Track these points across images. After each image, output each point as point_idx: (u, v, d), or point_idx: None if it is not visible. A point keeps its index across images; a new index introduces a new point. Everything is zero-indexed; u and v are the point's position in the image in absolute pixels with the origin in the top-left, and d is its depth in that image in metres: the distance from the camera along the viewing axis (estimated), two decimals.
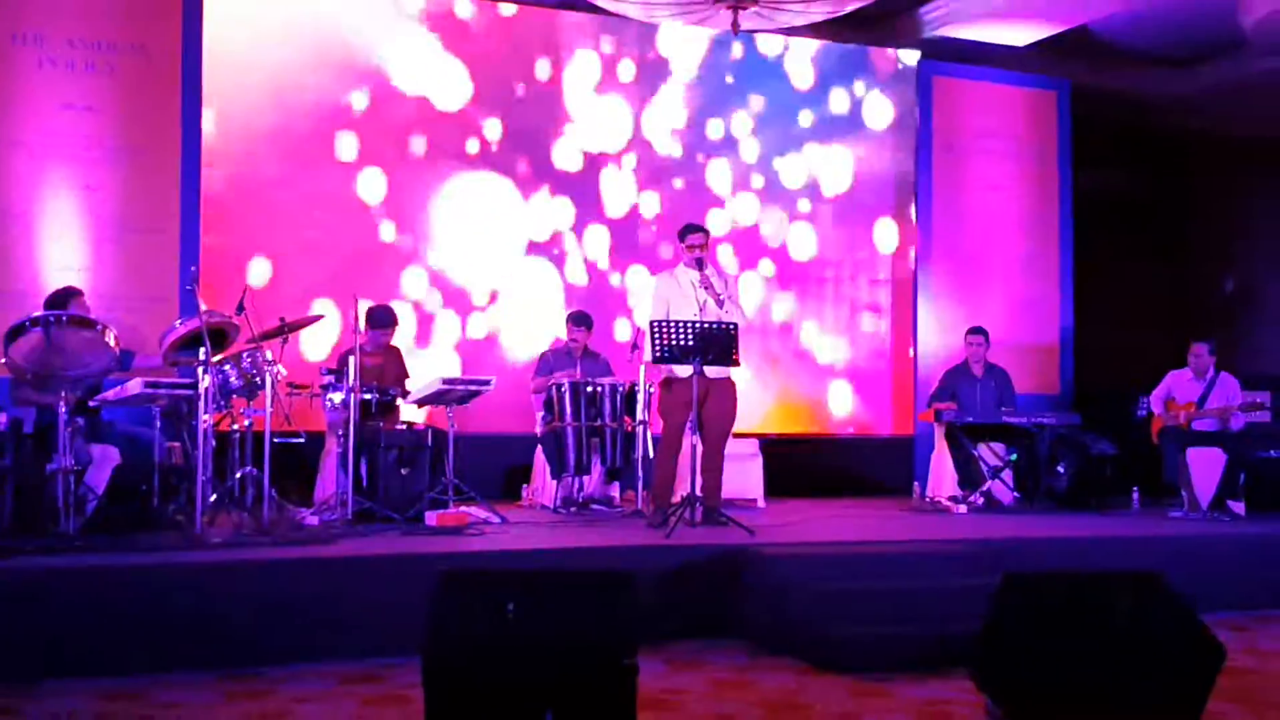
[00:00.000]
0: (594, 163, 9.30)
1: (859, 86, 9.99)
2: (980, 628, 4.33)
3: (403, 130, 8.79)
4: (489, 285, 8.98)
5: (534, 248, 9.11)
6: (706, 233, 6.95)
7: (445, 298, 8.85)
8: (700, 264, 6.77)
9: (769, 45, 9.75)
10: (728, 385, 6.78)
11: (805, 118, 9.84)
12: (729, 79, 9.68)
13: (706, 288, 6.70)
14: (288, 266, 8.45)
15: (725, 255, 9.53)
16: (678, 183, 9.51)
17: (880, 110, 10.07)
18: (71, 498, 5.41)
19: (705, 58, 9.60)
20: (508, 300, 9.02)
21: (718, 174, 9.63)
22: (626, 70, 9.42)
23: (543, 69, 9.19)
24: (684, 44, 9.53)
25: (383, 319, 7.45)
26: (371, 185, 8.69)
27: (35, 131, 7.65)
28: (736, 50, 9.64)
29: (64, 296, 6.27)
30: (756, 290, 9.65)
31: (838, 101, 9.94)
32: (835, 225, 9.94)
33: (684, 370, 6.61)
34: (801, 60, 9.85)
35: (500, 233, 9.02)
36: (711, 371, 6.58)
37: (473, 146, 8.99)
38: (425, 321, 8.79)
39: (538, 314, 9.03)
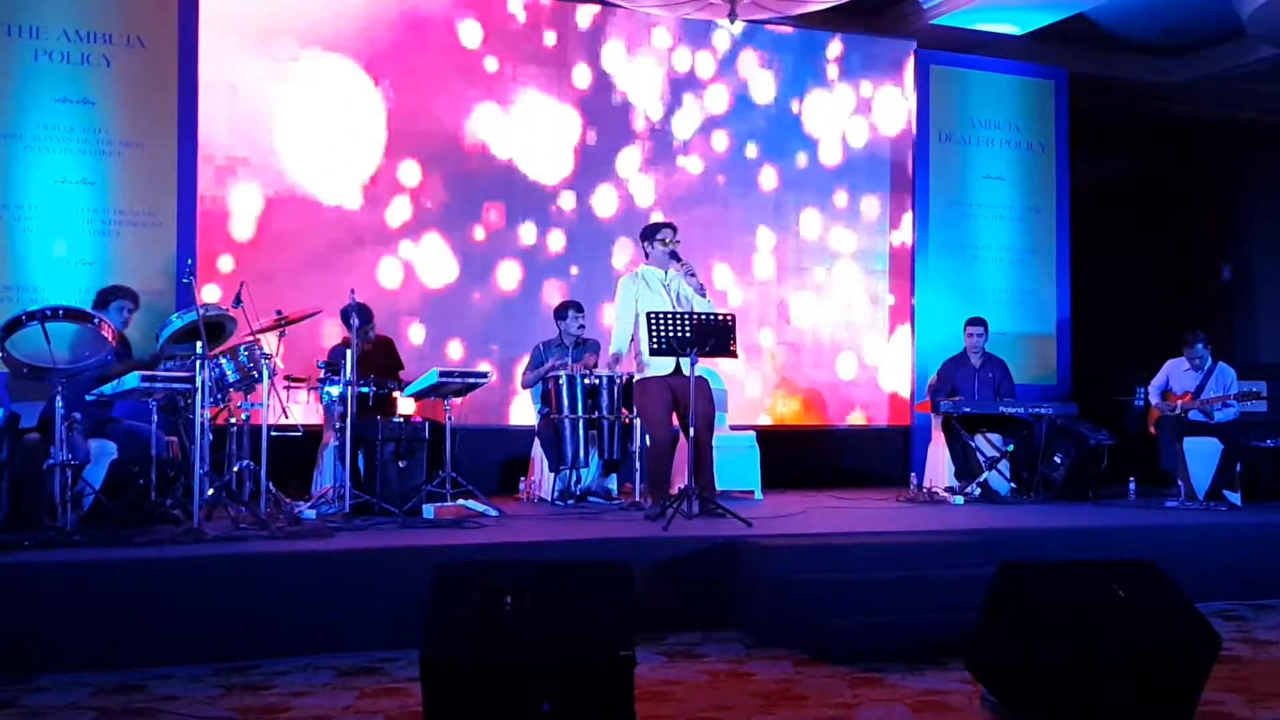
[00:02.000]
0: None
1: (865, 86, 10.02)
2: (977, 618, 4.34)
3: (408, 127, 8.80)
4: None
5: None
6: (675, 229, 7.04)
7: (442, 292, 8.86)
8: (675, 255, 6.87)
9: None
10: (701, 378, 6.74)
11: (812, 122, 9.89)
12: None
13: (690, 274, 6.79)
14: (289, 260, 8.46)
15: (721, 243, 9.54)
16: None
17: (882, 107, 10.09)
18: (69, 492, 5.41)
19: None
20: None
21: (719, 157, 9.65)
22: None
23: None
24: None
25: (351, 316, 7.39)
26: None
27: (31, 124, 7.65)
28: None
29: (109, 295, 6.41)
30: (754, 281, 9.65)
31: (838, 92, 9.95)
32: (833, 215, 9.93)
33: (653, 370, 6.74)
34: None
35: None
36: (686, 368, 6.60)
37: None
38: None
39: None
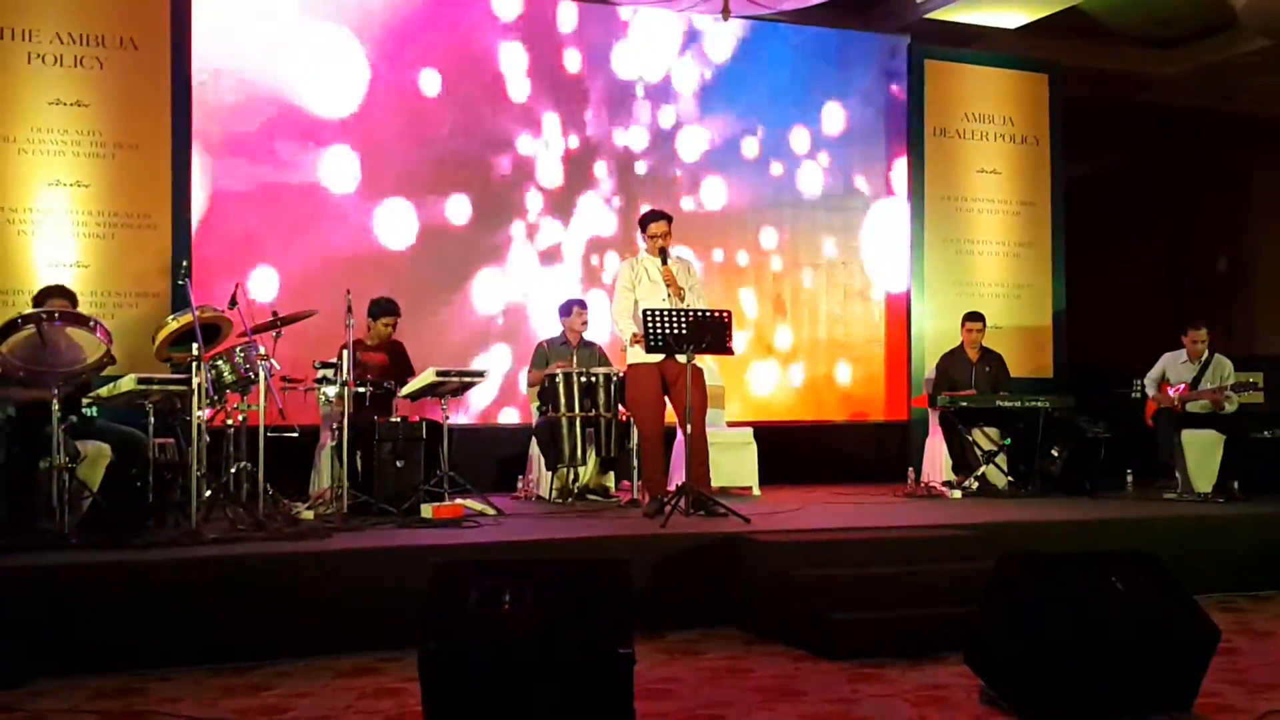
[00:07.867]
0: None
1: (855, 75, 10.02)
2: (975, 612, 4.35)
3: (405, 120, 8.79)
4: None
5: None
6: (669, 219, 6.88)
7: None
8: (664, 254, 6.75)
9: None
10: (696, 367, 6.68)
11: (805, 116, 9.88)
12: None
13: (669, 282, 6.68)
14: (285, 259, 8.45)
15: (716, 240, 9.54)
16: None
17: (874, 98, 10.08)
18: (65, 494, 5.40)
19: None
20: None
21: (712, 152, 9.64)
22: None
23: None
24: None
25: (376, 309, 7.45)
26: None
27: (25, 127, 7.63)
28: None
29: (45, 294, 6.22)
30: (750, 276, 9.65)
31: (833, 89, 9.95)
32: (829, 209, 9.93)
33: (644, 356, 6.64)
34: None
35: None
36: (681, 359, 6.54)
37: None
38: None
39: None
